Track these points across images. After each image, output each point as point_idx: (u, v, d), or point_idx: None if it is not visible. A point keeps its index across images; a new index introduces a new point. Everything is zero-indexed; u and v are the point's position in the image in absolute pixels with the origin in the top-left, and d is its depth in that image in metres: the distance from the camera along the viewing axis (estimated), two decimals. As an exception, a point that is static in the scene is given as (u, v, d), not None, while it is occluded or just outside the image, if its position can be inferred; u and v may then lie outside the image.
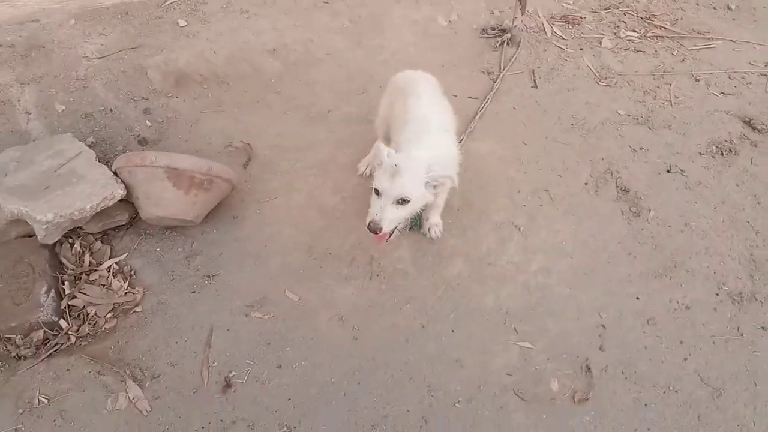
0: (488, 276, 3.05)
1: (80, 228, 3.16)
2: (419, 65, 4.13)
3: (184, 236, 3.16)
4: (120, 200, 3.08)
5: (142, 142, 3.72)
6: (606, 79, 4.39)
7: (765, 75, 4.59)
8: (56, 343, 2.72)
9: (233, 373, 2.61)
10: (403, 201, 2.49)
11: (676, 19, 5.09)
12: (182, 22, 4.38)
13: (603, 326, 2.88)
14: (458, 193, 3.36)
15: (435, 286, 2.99)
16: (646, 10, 5.16)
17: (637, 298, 3.01)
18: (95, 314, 2.88)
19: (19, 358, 2.63)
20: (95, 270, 3.04)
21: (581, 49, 4.64)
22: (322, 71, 4.28)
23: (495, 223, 3.32)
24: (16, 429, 2.39)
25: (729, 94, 4.36)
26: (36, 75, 3.83)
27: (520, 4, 4.43)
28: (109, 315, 2.86)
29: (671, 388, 2.67)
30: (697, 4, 5.37)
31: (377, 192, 2.52)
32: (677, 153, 3.82)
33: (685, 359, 2.78)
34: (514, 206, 3.41)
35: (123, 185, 3.00)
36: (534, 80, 4.34)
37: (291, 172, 3.53)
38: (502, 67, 4.38)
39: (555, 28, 4.86)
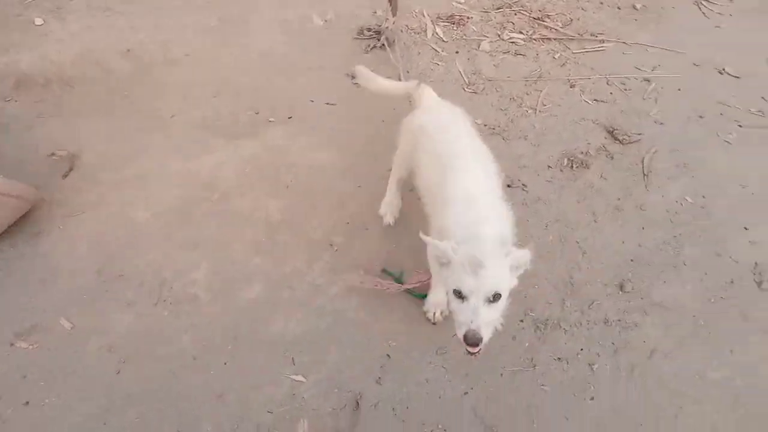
0: (285, 300, 2.92)
1: None
2: (284, 66, 4.00)
3: (-23, 253, 3.02)
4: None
5: (-34, 149, 3.56)
6: (473, 85, 4.22)
7: (648, 80, 4.38)
8: None
9: (-24, 408, 2.49)
10: (495, 297, 2.09)
11: (571, 20, 4.92)
12: (38, 21, 4.23)
13: (388, 356, 2.75)
14: (281, 208, 3.23)
15: (224, 312, 2.86)
16: (542, 9, 4.96)
17: (434, 324, 2.86)
18: None
19: None
20: None
21: (457, 52, 4.46)
22: (178, 73, 4.13)
23: (311, 240, 3.18)
24: None
25: (602, 101, 4.19)
26: None
27: (391, 5, 4.24)
28: None
29: (439, 426, 2.56)
30: (601, 3, 5.21)
31: (460, 295, 2.11)
32: (525, 166, 3.66)
33: (466, 393, 2.66)
34: (337, 222, 3.27)
35: None
36: (398, 87, 4.14)
37: (108, 184, 3.39)
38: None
39: (438, 29, 4.67)
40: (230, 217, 3.26)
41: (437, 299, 2.81)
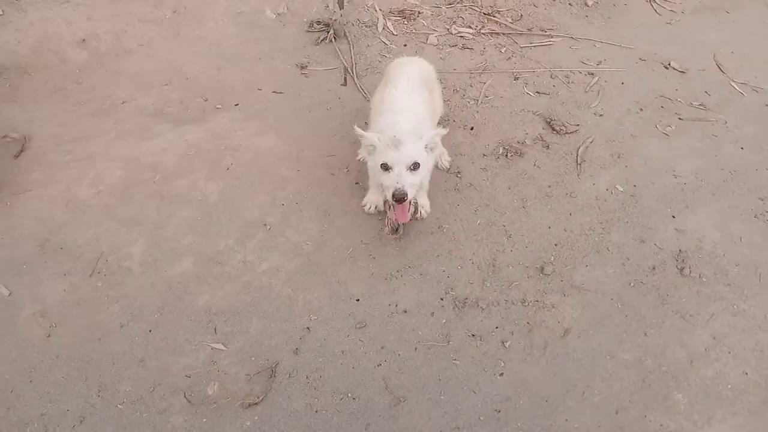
0: (213, 275, 3.05)
1: None
2: (236, 57, 4.15)
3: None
4: None
5: (-76, 131, 3.70)
6: (419, 76, 4.32)
7: (592, 74, 4.52)
8: None
9: None
10: (414, 166, 2.70)
11: (521, 15, 5.03)
12: (-1, 11, 4.34)
13: (308, 329, 2.88)
14: (219, 190, 3.36)
15: (153, 285, 3.00)
16: (492, 5, 5.09)
17: (358, 300, 3.00)
18: None
19: None
20: None
21: (405, 45, 4.60)
22: (131, 62, 4.27)
23: (246, 221, 3.31)
24: None
25: (544, 94, 4.32)
26: None
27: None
28: None
29: (349, 395, 2.69)
30: (553, 0, 5.28)
31: (386, 167, 2.70)
32: (461, 154, 3.79)
33: (379, 365, 2.79)
34: (272, 204, 3.41)
35: None
36: (345, 78, 4.30)
37: (57, 164, 3.53)
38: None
39: (389, 23, 4.80)
40: (170, 198, 3.40)
41: (374, 197, 3.31)
